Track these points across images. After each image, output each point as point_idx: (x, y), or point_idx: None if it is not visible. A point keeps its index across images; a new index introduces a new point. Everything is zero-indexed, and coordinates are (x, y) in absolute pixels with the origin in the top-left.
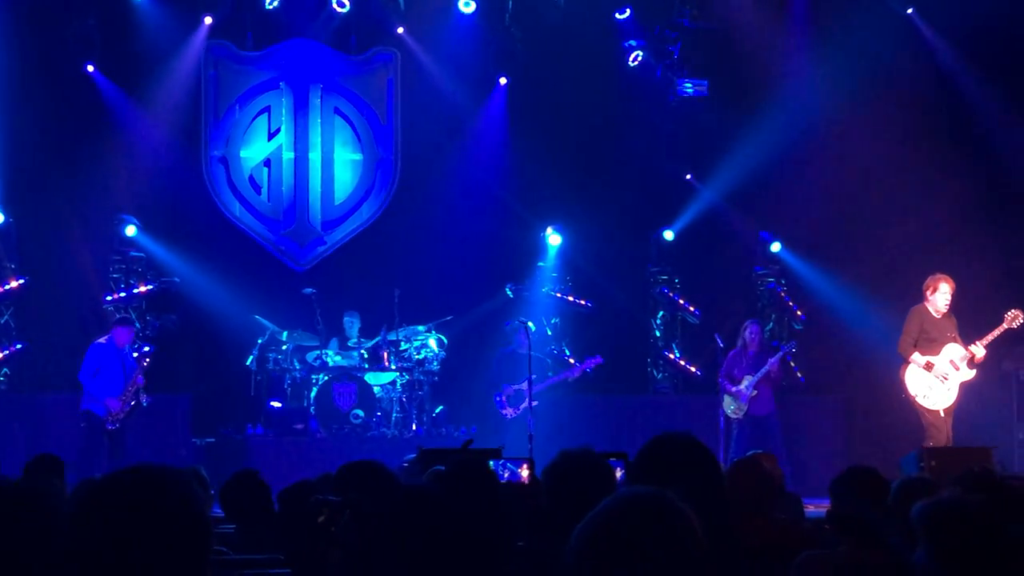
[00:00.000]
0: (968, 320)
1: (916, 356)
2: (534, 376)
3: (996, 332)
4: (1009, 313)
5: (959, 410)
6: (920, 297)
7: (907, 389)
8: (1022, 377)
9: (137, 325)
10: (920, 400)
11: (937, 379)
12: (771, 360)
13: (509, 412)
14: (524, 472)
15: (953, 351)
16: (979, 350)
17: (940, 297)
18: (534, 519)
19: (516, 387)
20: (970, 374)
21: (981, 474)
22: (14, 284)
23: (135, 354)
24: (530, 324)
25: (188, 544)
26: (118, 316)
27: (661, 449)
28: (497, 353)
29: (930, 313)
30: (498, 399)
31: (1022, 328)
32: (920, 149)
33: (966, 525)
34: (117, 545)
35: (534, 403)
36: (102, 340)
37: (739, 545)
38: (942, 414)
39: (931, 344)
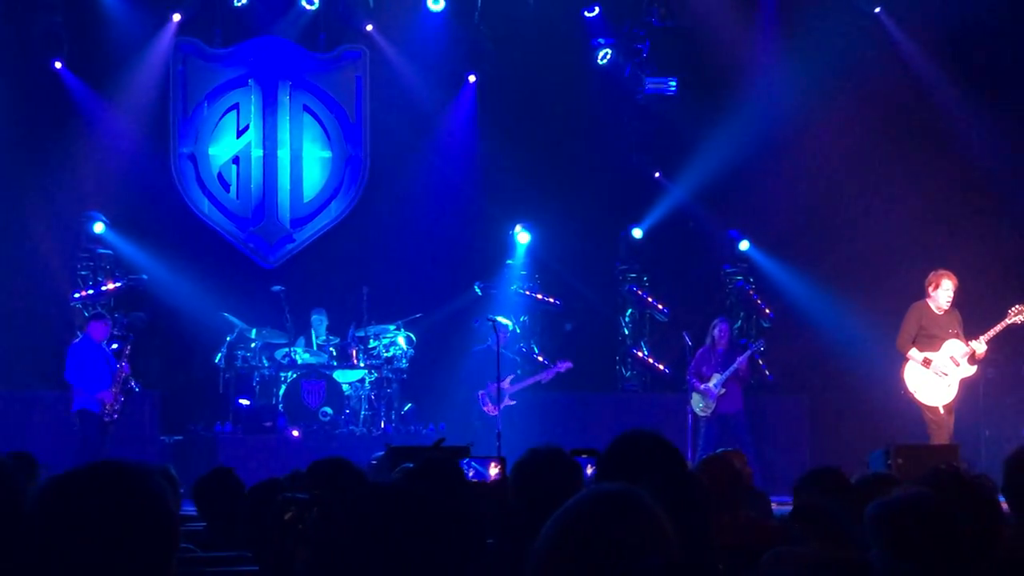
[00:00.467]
0: None
1: (914, 352)
2: (512, 376)
3: (999, 327)
4: (1013, 308)
5: None
6: (922, 293)
7: (906, 385)
8: (988, 375)
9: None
10: (919, 397)
11: (936, 375)
12: (739, 358)
13: (491, 409)
14: (492, 471)
15: (954, 347)
16: (980, 346)
17: (942, 294)
18: (505, 517)
19: (498, 385)
20: (971, 370)
21: (948, 472)
22: None
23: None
24: (507, 321)
25: (154, 540)
26: (89, 313)
27: (628, 447)
28: (473, 351)
29: (930, 309)
30: (481, 397)
31: None
32: (888, 148)
33: (918, 522)
34: (82, 541)
35: (512, 402)
36: (77, 340)
37: (708, 543)
38: (941, 411)
39: (931, 340)
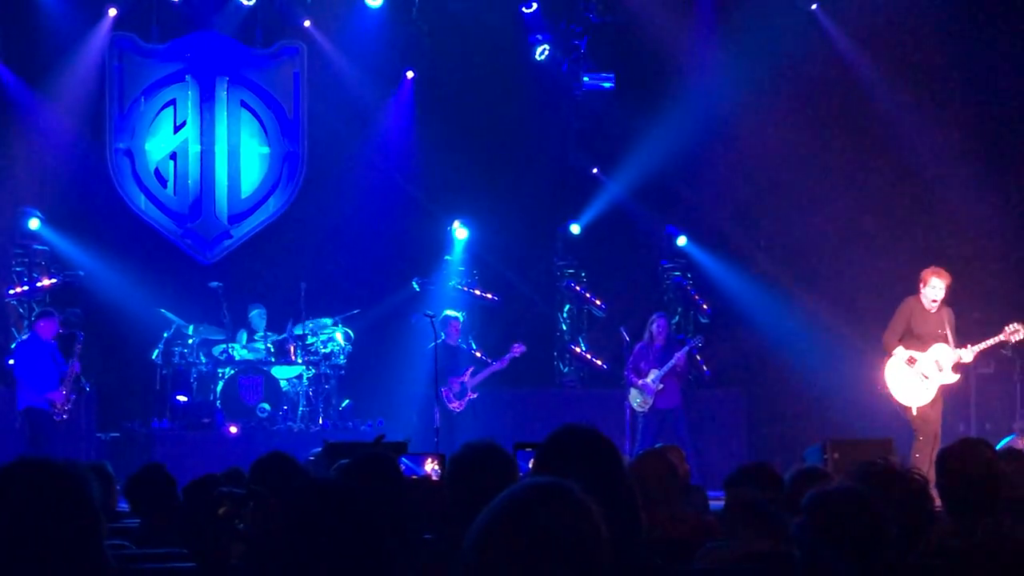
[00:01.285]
0: (872, 313)
1: (899, 350)
2: (471, 368)
3: (991, 342)
4: (1009, 327)
5: (865, 401)
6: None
7: (884, 381)
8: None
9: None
10: (895, 394)
11: (917, 377)
12: (677, 354)
13: (456, 405)
14: (428, 467)
15: (941, 352)
16: (968, 355)
17: (930, 291)
18: (442, 512)
19: (461, 380)
20: (953, 378)
21: (877, 466)
22: None
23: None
24: (456, 314)
25: (76, 533)
26: (25, 310)
27: (564, 441)
28: (428, 348)
29: (922, 306)
30: (445, 394)
31: (1020, 343)
32: (824, 143)
33: (845, 514)
34: (4, 533)
35: (474, 395)
36: (24, 337)
37: (643, 537)
38: (914, 411)
39: (917, 340)
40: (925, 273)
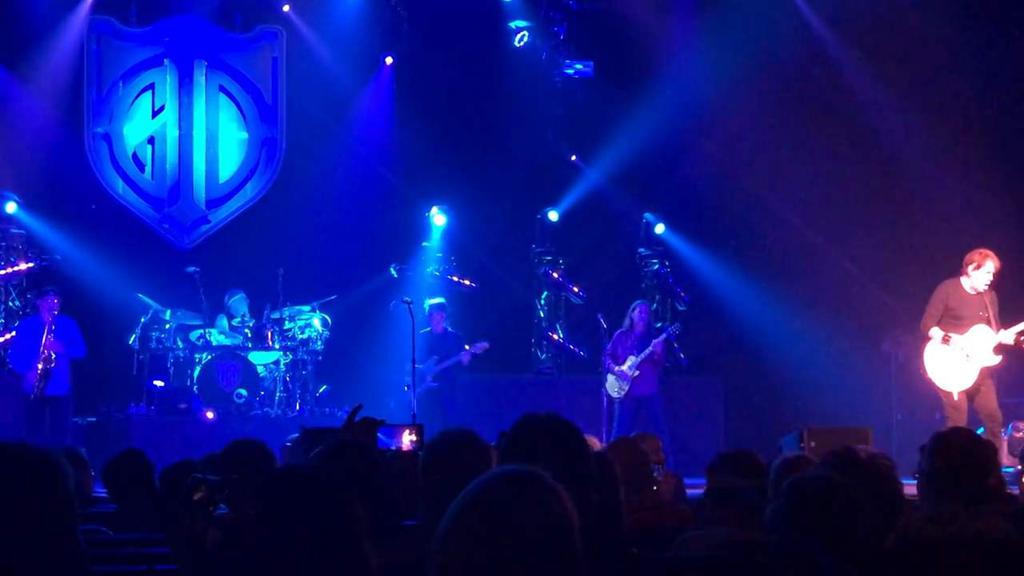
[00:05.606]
0: (850, 302)
1: (935, 331)
2: (436, 357)
3: None
4: None
5: (841, 389)
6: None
7: (924, 368)
8: (900, 359)
9: (17, 303)
10: (935, 379)
11: (956, 358)
12: (655, 342)
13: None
14: (405, 440)
15: (981, 332)
16: (1008, 336)
17: (982, 275)
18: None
19: (419, 367)
20: (995, 360)
21: (843, 453)
22: None
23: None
24: (438, 300)
25: (50, 520)
26: (45, 288)
27: (526, 430)
28: (419, 333)
29: (961, 289)
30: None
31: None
32: (803, 133)
33: (816, 501)
34: None
35: (435, 384)
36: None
37: (617, 524)
38: (955, 396)
39: (958, 323)
40: (977, 256)
